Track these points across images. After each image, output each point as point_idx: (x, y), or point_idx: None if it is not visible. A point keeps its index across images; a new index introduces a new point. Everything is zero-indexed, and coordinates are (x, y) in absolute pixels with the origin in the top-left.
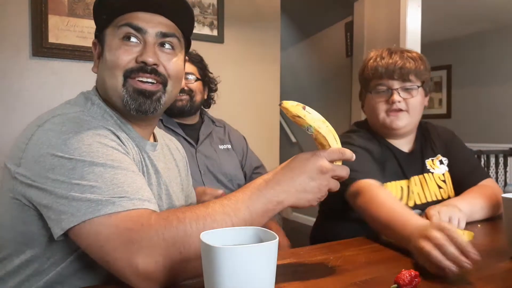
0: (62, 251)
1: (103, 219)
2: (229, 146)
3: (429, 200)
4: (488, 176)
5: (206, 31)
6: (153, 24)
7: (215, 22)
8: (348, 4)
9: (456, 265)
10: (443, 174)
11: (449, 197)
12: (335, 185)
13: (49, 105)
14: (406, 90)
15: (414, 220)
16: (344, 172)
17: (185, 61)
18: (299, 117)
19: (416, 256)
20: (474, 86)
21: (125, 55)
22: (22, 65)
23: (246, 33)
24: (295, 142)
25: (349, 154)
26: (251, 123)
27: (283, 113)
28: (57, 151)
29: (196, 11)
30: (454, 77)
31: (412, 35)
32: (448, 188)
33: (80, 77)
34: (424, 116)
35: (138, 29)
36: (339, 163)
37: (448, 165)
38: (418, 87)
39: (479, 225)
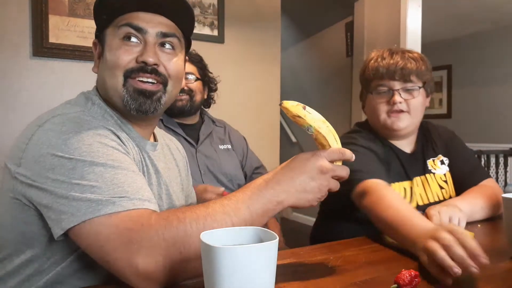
0: (62, 251)
1: (103, 219)
2: (229, 146)
3: (431, 201)
4: (488, 176)
5: (206, 31)
6: (154, 24)
7: (216, 22)
8: (348, 4)
9: (462, 268)
10: (445, 175)
11: (450, 197)
12: (335, 185)
13: (49, 105)
14: (407, 91)
15: (421, 222)
16: (344, 172)
17: (185, 61)
18: (299, 117)
19: (421, 258)
20: (474, 86)
21: (125, 55)
22: (22, 65)
23: (246, 33)
24: (295, 142)
25: (349, 154)
26: (251, 123)
27: (283, 113)
28: (57, 151)
29: (196, 11)
30: (454, 77)
31: (413, 35)
32: (450, 188)
33: (80, 77)
34: (424, 116)
35: (139, 29)
36: (339, 163)
37: (449, 165)
38: (420, 87)
39: (479, 225)
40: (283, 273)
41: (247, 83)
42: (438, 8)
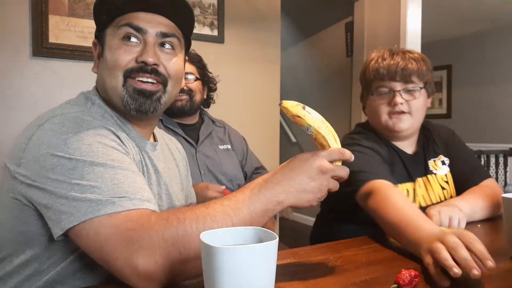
0: (62, 251)
1: (103, 219)
2: (229, 146)
3: (434, 201)
4: (489, 176)
5: (206, 31)
6: (153, 24)
7: (215, 22)
8: (348, 4)
9: (464, 270)
10: (446, 175)
11: (451, 198)
12: (335, 185)
13: (49, 105)
14: (409, 91)
15: (427, 224)
16: (344, 172)
17: (185, 61)
18: (298, 117)
19: (424, 260)
20: (474, 86)
21: (125, 55)
22: (22, 65)
23: (246, 33)
24: (295, 142)
25: (348, 154)
26: (251, 123)
27: (283, 113)
28: (57, 151)
29: (196, 11)
30: (454, 77)
31: (412, 35)
32: (451, 189)
33: (80, 77)
34: (424, 116)
35: (138, 29)
36: (339, 163)
37: (449, 165)
38: (421, 88)
39: (479, 225)
40: (283, 273)
41: (247, 83)
42: (438, 8)
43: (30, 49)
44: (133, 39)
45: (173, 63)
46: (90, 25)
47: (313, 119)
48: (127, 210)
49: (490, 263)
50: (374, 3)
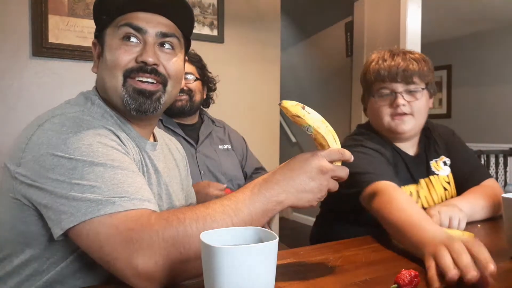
0: (62, 251)
1: (103, 219)
2: (229, 147)
3: (436, 202)
4: (489, 176)
5: (206, 31)
6: (153, 24)
7: (215, 22)
8: (348, 4)
9: (463, 275)
10: (447, 176)
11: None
12: (334, 186)
13: (49, 105)
14: (410, 92)
15: (432, 227)
16: (344, 172)
17: (185, 61)
18: (298, 116)
19: (427, 263)
20: (474, 86)
21: (125, 55)
22: (22, 65)
23: (246, 33)
24: (295, 142)
25: (348, 154)
26: (251, 123)
27: (283, 113)
28: (57, 150)
29: (196, 11)
30: (454, 77)
31: (412, 35)
32: (452, 189)
33: (80, 77)
34: None
35: (138, 29)
36: (339, 163)
37: (450, 166)
38: (423, 89)
39: (479, 225)
40: (283, 273)
41: (247, 83)
42: (438, 8)
43: (30, 49)
44: (133, 39)
45: (173, 63)
46: (90, 25)
47: (313, 119)
48: (127, 210)
49: (492, 266)
50: (374, 3)
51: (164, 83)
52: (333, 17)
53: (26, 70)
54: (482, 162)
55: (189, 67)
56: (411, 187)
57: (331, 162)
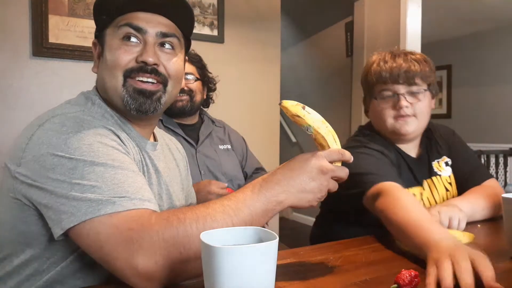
0: (62, 251)
1: (103, 219)
2: (229, 146)
3: (438, 203)
4: (490, 176)
5: (206, 31)
6: (153, 24)
7: (215, 22)
8: (348, 4)
9: None
10: (449, 176)
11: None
12: (334, 186)
13: (49, 105)
14: (412, 94)
15: (437, 229)
16: (343, 173)
17: (185, 61)
18: (298, 116)
19: (429, 268)
20: (474, 86)
21: (125, 55)
22: (22, 65)
23: (246, 33)
24: (295, 142)
25: (348, 155)
26: (251, 123)
27: (283, 113)
28: (57, 150)
29: (196, 11)
30: (454, 77)
31: (412, 35)
32: (454, 189)
33: (80, 77)
34: None
35: (138, 29)
36: (339, 164)
37: (451, 166)
38: (425, 90)
39: (479, 225)
40: (283, 273)
41: (247, 83)
42: (438, 8)
43: (30, 49)
44: (133, 39)
45: (173, 63)
46: (90, 25)
47: (313, 119)
48: (127, 210)
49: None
50: (374, 3)
51: (164, 83)
52: (333, 17)
53: (26, 70)
54: (482, 162)
55: (190, 68)
56: (415, 189)
57: (331, 162)
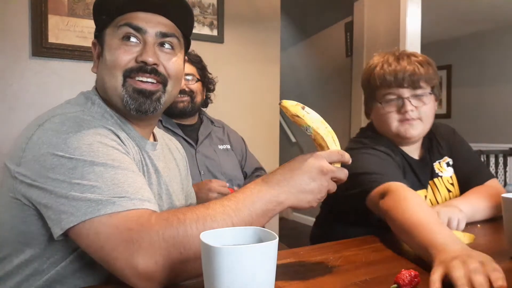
0: (62, 251)
1: (103, 219)
2: (229, 146)
3: None
4: (492, 176)
5: (206, 31)
6: (153, 24)
7: (215, 22)
8: (348, 4)
9: None
10: (451, 177)
11: None
12: (334, 187)
13: (49, 105)
14: (417, 97)
15: (445, 232)
16: (343, 174)
17: (184, 61)
18: (298, 116)
19: (435, 269)
20: (474, 86)
21: (124, 55)
22: (22, 65)
23: (246, 33)
24: (295, 142)
25: (348, 157)
26: (251, 123)
27: (283, 113)
28: (57, 150)
29: (196, 11)
30: (454, 77)
31: (412, 35)
32: (456, 190)
33: (80, 77)
34: None
35: (138, 29)
36: (338, 165)
37: (453, 166)
38: (430, 93)
39: (479, 225)
40: (283, 273)
41: (247, 83)
42: (438, 7)
43: (29, 49)
44: (132, 39)
45: (173, 63)
46: (89, 25)
47: (312, 119)
48: (127, 210)
49: None
50: (374, 3)
51: (164, 83)
52: (333, 17)
53: (26, 70)
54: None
55: (190, 68)
56: (419, 192)
57: (331, 163)
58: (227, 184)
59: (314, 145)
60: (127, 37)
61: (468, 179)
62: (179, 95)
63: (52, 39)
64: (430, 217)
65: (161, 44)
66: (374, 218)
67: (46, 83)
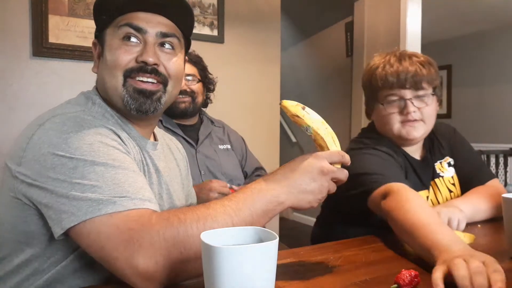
0: (62, 251)
1: (104, 219)
2: (229, 146)
3: None
4: (493, 176)
5: (206, 31)
6: (153, 24)
7: (215, 22)
8: (348, 4)
9: None
10: (452, 177)
11: None
12: (334, 187)
13: (49, 105)
14: (419, 98)
15: (448, 233)
16: (343, 175)
17: (185, 61)
18: (298, 116)
19: (436, 268)
20: (474, 86)
21: (125, 55)
22: (22, 65)
23: (246, 33)
24: (295, 142)
25: (348, 158)
26: (251, 123)
27: (283, 113)
28: (58, 150)
29: (196, 11)
30: (454, 77)
31: (412, 35)
32: (457, 190)
33: (80, 77)
34: None
35: (138, 29)
36: (338, 166)
37: (454, 166)
38: (432, 94)
39: (479, 226)
40: (283, 273)
41: (247, 83)
42: (438, 7)
43: (30, 49)
44: (133, 39)
45: (173, 63)
46: (90, 25)
47: (312, 120)
48: (128, 209)
49: None
50: (374, 3)
51: (164, 83)
52: (333, 17)
53: (26, 70)
54: None
55: (191, 69)
56: (421, 193)
57: (332, 163)
58: (228, 184)
59: (315, 145)
60: (127, 37)
61: (469, 179)
62: (180, 96)
63: (52, 39)
64: (432, 218)
65: (162, 44)
66: (374, 218)
67: (46, 83)
